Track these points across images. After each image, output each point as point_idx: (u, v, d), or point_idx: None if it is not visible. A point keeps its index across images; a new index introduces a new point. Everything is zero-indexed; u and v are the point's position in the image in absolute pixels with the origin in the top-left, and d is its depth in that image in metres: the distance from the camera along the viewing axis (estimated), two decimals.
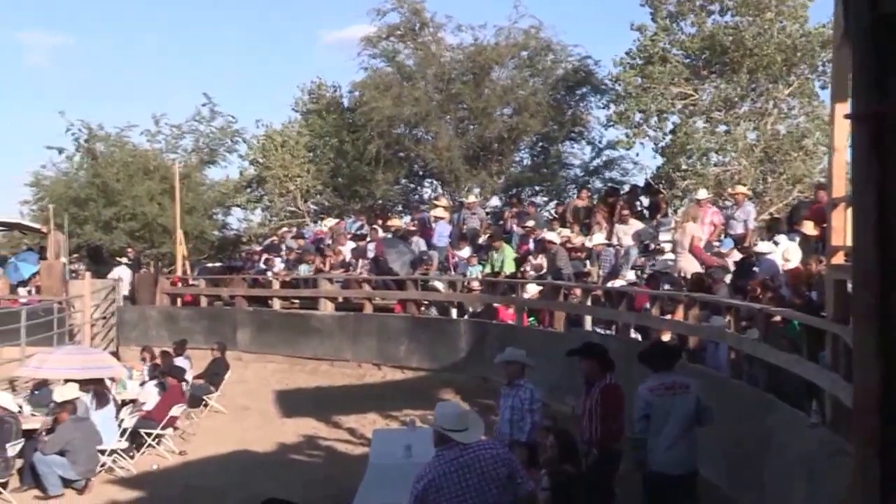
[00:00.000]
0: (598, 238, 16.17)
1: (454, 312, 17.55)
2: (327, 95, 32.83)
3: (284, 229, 25.67)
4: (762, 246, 12.33)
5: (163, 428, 13.10)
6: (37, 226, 29.28)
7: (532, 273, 16.21)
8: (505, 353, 8.63)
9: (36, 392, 14.05)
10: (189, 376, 15.46)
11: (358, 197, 30.95)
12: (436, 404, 5.72)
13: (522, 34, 27.41)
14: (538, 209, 21.08)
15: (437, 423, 5.23)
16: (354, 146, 29.24)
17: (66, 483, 11.10)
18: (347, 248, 20.28)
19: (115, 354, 17.75)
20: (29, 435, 11.59)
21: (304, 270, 20.01)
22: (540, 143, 29.21)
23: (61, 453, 11.05)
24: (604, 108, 27.34)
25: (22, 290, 22.98)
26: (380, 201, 30.06)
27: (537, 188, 29.66)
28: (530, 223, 17.82)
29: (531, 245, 17.07)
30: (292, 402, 15.70)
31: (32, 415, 12.78)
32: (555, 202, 25.61)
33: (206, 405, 15.74)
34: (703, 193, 15.84)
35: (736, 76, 22.86)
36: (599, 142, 28.86)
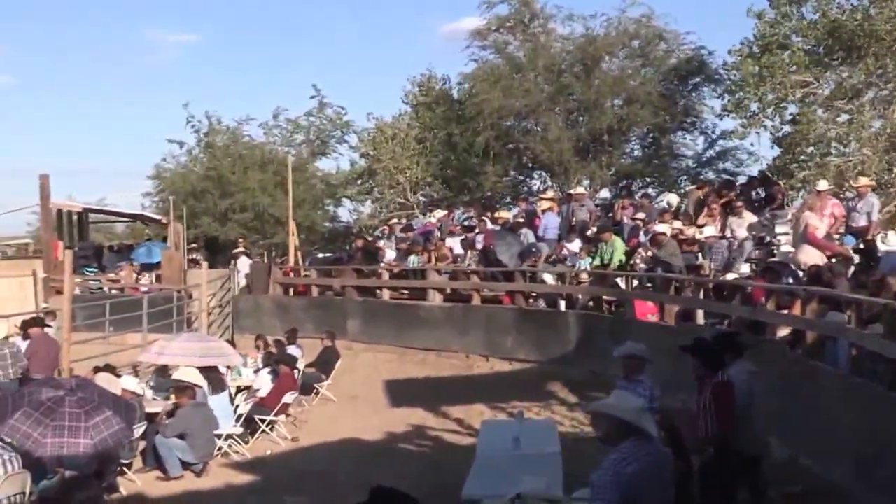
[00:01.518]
0: (710, 230, 15.83)
1: (563, 304, 17.42)
2: (437, 88, 32.97)
3: (394, 221, 25.91)
4: (893, 239, 11.84)
5: (276, 414, 13.41)
6: (158, 217, 30.36)
7: (642, 266, 15.97)
8: (624, 346, 8.44)
9: (157, 377, 14.58)
10: (301, 364, 15.79)
11: (467, 189, 31.01)
12: (611, 393, 5.58)
13: (633, 23, 26.99)
14: (650, 201, 20.68)
15: (619, 413, 5.11)
16: (464, 138, 29.27)
17: (185, 465, 11.47)
18: (456, 239, 20.35)
19: (231, 342, 18.22)
20: (151, 418, 12.03)
21: (413, 261, 20.17)
22: (651, 134, 28.71)
23: (181, 437, 11.43)
24: (718, 97, 26.73)
25: (142, 280, 23.89)
26: (488, 193, 30.03)
27: (648, 179, 29.20)
28: (641, 215, 17.57)
29: (641, 237, 16.82)
30: (401, 392, 15.86)
31: (154, 399, 13.25)
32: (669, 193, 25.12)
33: (317, 393, 16.06)
34: (823, 184, 15.34)
35: (861, 63, 21.93)
36: (713, 132, 28.25)
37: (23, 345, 13.35)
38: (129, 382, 12.38)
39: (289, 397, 13.76)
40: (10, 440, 8.73)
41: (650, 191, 27.40)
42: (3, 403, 9.43)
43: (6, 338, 12.80)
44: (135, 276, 24.29)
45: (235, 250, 26.24)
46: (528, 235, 19.04)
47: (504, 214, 21.57)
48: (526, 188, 31.32)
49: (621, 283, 16.23)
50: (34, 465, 8.82)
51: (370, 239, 25.04)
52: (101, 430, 8.96)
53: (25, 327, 13.94)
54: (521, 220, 20.46)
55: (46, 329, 14.31)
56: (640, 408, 5.30)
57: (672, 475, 5.27)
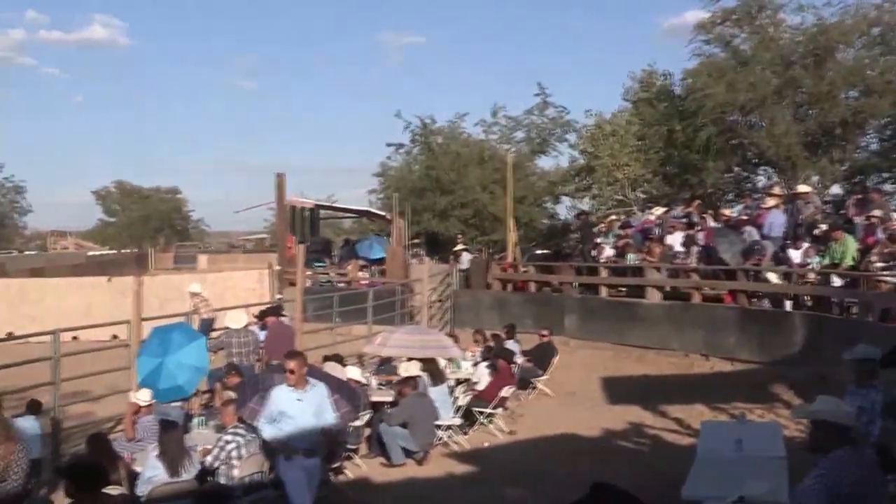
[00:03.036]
0: None
1: (788, 305, 16.71)
2: (658, 83, 32.42)
3: (612, 217, 25.72)
4: None
5: (493, 407, 13.65)
6: (382, 213, 31.56)
7: (879, 265, 15.04)
8: (857, 349, 8.01)
9: (381, 367, 15.18)
10: (518, 359, 15.98)
11: (688, 185, 30.34)
12: (816, 398, 5.30)
13: (874, 9, 25.44)
14: (882, 196, 19.44)
15: (838, 419, 4.91)
16: (685, 134, 28.67)
17: (408, 453, 11.88)
18: (676, 237, 19.95)
19: (451, 336, 18.66)
20: (376, 407, 12.55)
21: (631, 259, 19.95)
22: (890, 127, 26.97)
23: (404, 425, 11.85)
24: None
25: (362, 274, 24.93)
26: (710, 190, 29.23)
27: (885, 175, 27.47)
28: (877, 212, 16.55)
29: (878, 235, 15.84)
30: (618, 389, 15.75)
31: (378, 388, 13.80)
32: None
33: (534, 388, 16.20)
34: None
35: None
36: None
37: (260, 333, 14.20)
38: (354, 372, 12.98)
39: (506, 391, 13.97)
40: (248, 422, 9.37)
41: (887, 186, 25.81)
42: (242, 388, 10.20)
43: (245, 326, 13.66)
44: (360, 270, 25.39)
45: (456, 247, 26.86)
46: (751, 234, 18.37)
47: (727, 212, 20.91)
48: (750, 185, 30.26)
49: (847, 282, 15.39)
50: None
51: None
52: None
53: (263, 316, 14.83)
54: (745, 217, 19.77)
55: (281, 318, 15.16)
56: (849, 413, 5.03)
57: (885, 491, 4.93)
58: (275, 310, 15.28)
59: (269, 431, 8.47)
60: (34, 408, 10.32)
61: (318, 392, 8.57)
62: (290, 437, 8.35)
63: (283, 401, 8.42)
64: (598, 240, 22.19)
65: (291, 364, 8.44)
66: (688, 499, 7.09)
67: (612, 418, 13.88)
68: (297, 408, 8.36)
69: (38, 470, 9.59)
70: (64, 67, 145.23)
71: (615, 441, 12.64)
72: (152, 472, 8.30)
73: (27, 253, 62.85)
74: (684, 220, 20.75)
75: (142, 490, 8.23)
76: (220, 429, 9.62)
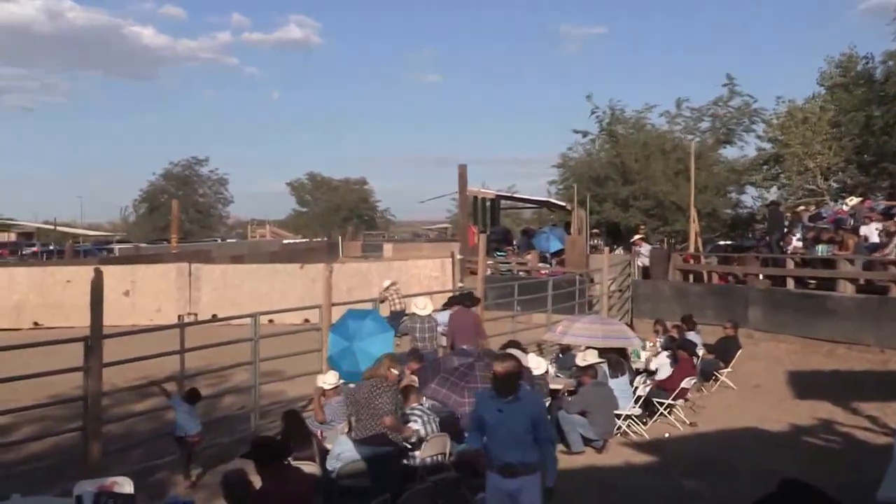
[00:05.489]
0: None
1: None
2: (857, 67, 30.88)
3: (801, 208, 24.73)
4: None
5: (674, 398, 13.46)
6: (562, 203, 31.60)
7: None
8: None
9: (560, 356, 15.25)
10: (700, 351, 15.69)
11: (885, 174, 28.77)
12: None
13: None
14: None
15: None
16: (884, 120, 27.19)
17: (586, 441, 11.91)
18: (871, 227, 19.01)
19: (630, 325, 18.53)
20: (554, 394, 12.64)
21: (821, 250, 19.16)
22: None
23: (582, 413, 11.89)
24: None
25: (542, 263, 25.06)
26: None
27: None
28: None
29: None
30: (806, 384, 15.24)
31: (556, 376, 13.88)
32: None
33: (716, 380, 15.86)
34: None
35: None
36: None
37: (441, 317, 14.51)
38: (534, 360, 13.09)
39: (687, 382, 13.75)
40: (429, 403, 9.66)
41: None
42: (423, 371, 10.54)
43: (430, 314, 13.98)
44: (540, 256, 25.56)
45: (636, 237, 26.55)
46: None
47: None
48: None
49: None
50: (452, 429, 9.64)
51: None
52: None
53: (451, 303, 15.12)
54: None
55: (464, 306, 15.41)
56: None
57: None
58: (466, 297, 15.56)
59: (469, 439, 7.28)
60: (192, 397, 10.51)
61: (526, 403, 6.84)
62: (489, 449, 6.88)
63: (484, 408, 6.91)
64: (787, 230, 21.42)
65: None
66: (883, 500, 6.83)
67: (800, 413, 13.46)
68: (497, 418, 6.75)
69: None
70: (262, 66, 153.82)
71: (803, 437, 12.24)
72: (341, 448, 8.70)
73: (228, 241, 66.70)
74: (883, 211, 19.76)
75: (332, 466, 8.65)
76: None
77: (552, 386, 13.01)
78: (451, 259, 24.55)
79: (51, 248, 52.51)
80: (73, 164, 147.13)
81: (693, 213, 24.66)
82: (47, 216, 75.49)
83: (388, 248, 47.30)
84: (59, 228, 55.17)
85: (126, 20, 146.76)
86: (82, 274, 20.08)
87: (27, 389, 10.79)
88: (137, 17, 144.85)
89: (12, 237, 62.26)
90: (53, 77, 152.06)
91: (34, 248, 54.00)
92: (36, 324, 23.82)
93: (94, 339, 9.73)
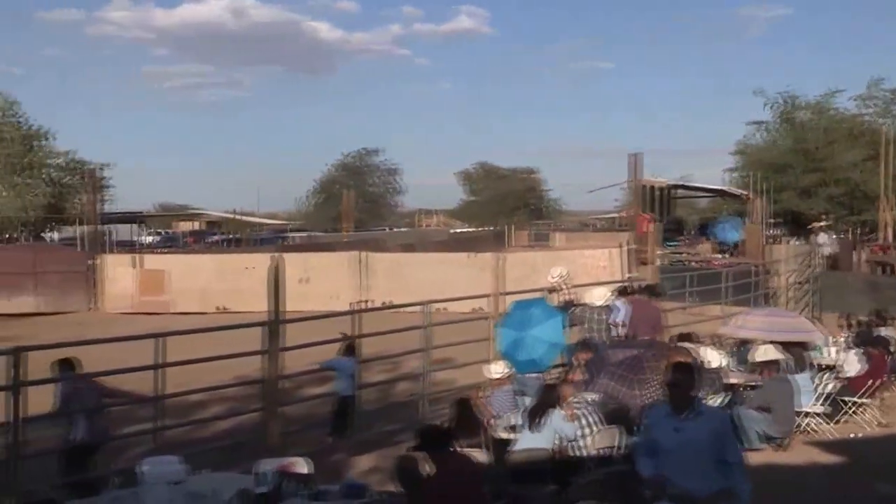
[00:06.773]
0: None
1: None
2: None
3: None
4: None
5: (863, 397, 12.68)
6: (739, 192, 30.53)
7: None
8: None
9: (739, 350, 14.62)
10: (893, 347, 14.72)
11: None
12: None
13: None
14: None
15: None
16: None
17: (766, 438, 11.37)
18: None
19: (817, 319, 17.62)
20: (731, 389, 12.12)
21: None
22: None
23: (762, 409, 11.35)
24: None
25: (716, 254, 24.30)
26: None
27: None
28: None
29: None
30: None
31: (734, 371, 13.31)
32: None
33: None
34: None
35: None
36: None
37: (619, 309, 14.15)
38: (709, 353, 12.60)
39: (880, 380, 12.92)
40: (595, 397, 9.48)
41: None
42: (591, 364, 10.34)
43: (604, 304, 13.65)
44: (715, 247, 24.83)
45: (814, 224, 25.39)
46: None
47: None
48: None
49: None
50: (623, 420, 9.38)
51: None
52: None
53: (622, 294, 14.73)
54: None
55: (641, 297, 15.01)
56: None
57: None
58: (649, 288, 15.17)
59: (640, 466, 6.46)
60: (351, 349, 11.43)
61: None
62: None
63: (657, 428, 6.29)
64: None
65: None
66: None
67: None
68: (673, 440, 6.02)
69: (352, 407, 10.53)
70: (433, 57, 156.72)
71: None
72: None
73: (397, 230, 68.13)
74: None
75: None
76: None
77: (729, 380, 12.50)
78: (619, 249, 24.12)
79: (231, 236, 54.93)
80: (252, 155, 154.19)
81: (885, 201, 23.31)
82: (228, 206, 79.13)
83: (558, 237, 46.81)
84: (238, 217, 57.65)
85: (304, 16, 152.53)
86: (260, 261, 20.88)
87: (213, 371, 11.37)
88: (314, 13, 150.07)
89: (200, 227, 65.61)
90: (239, 73, 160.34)
91: (215, 237, 56.66)
92: (219, 308, 25.00)
93: (274, 323, 10.12)
